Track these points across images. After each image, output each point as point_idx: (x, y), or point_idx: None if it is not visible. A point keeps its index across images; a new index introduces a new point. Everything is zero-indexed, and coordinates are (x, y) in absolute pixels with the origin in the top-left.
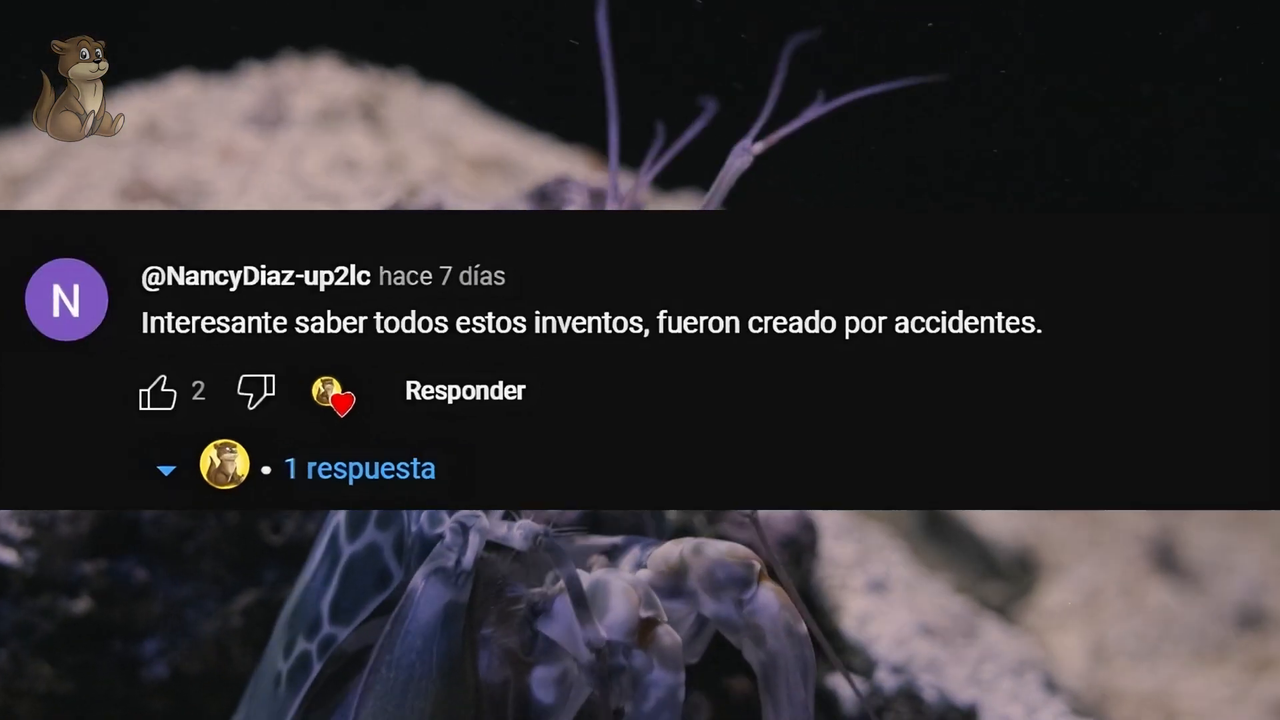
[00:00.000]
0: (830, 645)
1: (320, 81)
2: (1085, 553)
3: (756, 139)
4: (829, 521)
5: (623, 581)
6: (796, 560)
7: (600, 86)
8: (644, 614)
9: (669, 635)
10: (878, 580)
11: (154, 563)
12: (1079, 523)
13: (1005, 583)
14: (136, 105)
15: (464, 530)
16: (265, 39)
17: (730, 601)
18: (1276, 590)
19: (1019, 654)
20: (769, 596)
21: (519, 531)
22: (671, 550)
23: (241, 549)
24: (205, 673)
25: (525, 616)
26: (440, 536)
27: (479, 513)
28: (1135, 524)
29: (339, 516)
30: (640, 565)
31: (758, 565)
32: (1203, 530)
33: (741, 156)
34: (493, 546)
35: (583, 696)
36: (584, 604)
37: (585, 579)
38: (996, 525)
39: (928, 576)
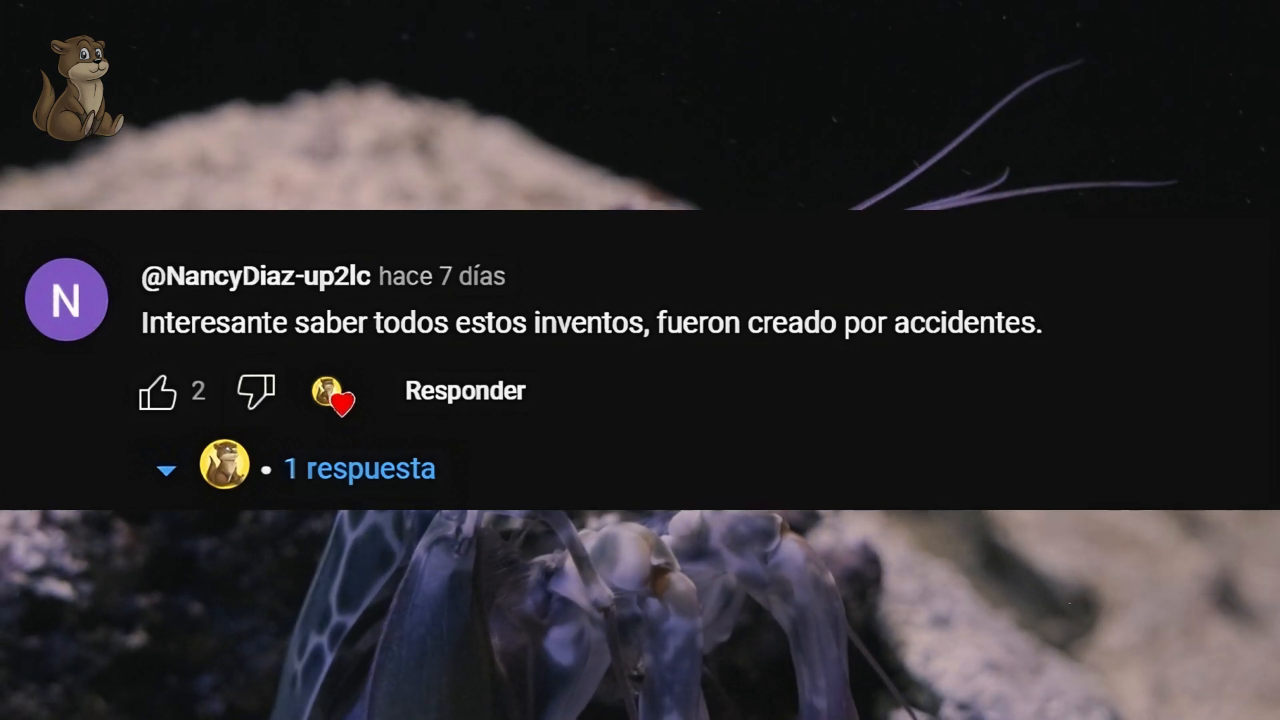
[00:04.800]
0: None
1: (373, 113)
2: (1145, 591)
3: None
4: (891, 557)
5: (631, 532)
6: (861, 594)
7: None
8: (655, 561)
9: (683, 581)
10: (942, 616)
11: (210, 597)
12: (1138, 562)
13: (1066, 621)
14: (188, 137)
15: None
16: (317, 71)
17: (754, 556)
18: None
19: (1085, 691)
20: (793, 548)
21: None
22: (692, 514)
23: (297, 582)
24: (261, 708)
25: (538, 580)
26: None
27: None
28: (1195, 564)
29: (343, 510)
30: (663, 534)
31: (780, 519)
32: (1263, 570)
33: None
34: (495, 526)
35: (607, 656)
36: (585, 560)
37: (594, 535)
38: (1056, 563)
39: (991, 613)
